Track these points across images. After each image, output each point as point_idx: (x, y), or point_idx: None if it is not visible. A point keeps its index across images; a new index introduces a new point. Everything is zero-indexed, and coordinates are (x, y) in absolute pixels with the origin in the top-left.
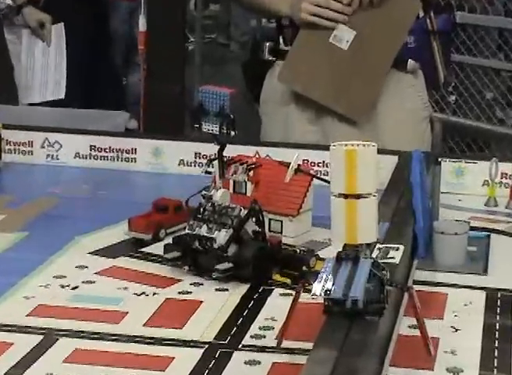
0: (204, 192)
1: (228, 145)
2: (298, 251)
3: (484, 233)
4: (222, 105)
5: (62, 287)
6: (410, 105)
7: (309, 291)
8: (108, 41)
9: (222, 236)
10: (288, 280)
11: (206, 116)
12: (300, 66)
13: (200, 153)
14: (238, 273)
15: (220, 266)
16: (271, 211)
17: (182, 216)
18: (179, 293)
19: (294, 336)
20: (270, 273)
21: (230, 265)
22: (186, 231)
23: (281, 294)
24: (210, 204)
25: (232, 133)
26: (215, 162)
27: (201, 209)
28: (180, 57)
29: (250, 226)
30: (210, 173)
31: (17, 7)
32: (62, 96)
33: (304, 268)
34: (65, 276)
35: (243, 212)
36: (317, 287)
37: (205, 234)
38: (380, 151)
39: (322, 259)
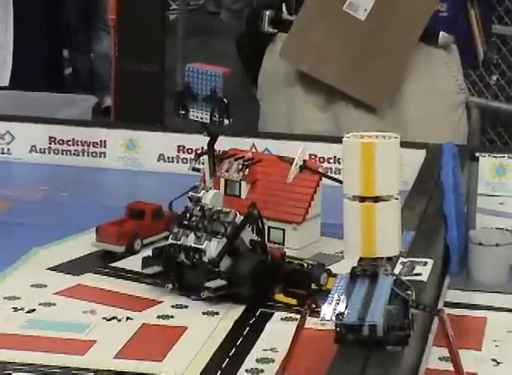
0: (191, 193)
1: (219, 137)
2: (306, 265)
3: None
4: (214, 88)
5: (16, 310)
6: (442, 88)
7: (317, 314)
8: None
9: (213, 247)
10: (293, 301)
11: (194, 101)
12: (307, 40)
13: (184, 146)
14: (232, 292)
15: (211, 284)
16: (270, 217)
17: (162, 223)
18: (159, 317)
19: (299, 370)
20: (271, 292)
21: (223, 282)
22: (170, 241)
23: (283, 319)
24: (198, 208)
25: (226, 121)
26: (205, 157)
27: (188, 214)
28: (159, 28)
29: (248, 235)
30: (198, 170)
31: None
32: (6, 83)
33: (313, 286)
34: (18, 298)
35: (239, 218)
36: (327, 310)
37: (193, 245)
38: (404, 144)
39: (335, 275)
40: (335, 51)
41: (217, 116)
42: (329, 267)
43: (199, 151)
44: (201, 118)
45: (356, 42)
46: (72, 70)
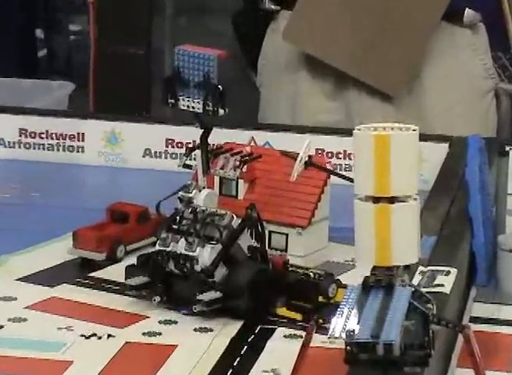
0: (181, 194)
1: (214, 129)
2: (312, 274)
3: None
4: (207, 73)
5: None
6: (467, 73)
7: (325, 330)
8: None
9: (206, 254)
10: (297, 316)
11: (184, 88)
12: (313, 19)
13: (173, 140)
14: (228, 306)
15: (204, 296)
16: (271, 220)
17: (148, 227)
18: (144, 334)
19: None
20: (273, 305)
21: (218, 294)
22: (157, 248)
23: (286, 336)
24: (190, 210)
25: (222, 111)
26: (197, 152)
27: (178, 217)
28: (145, 5)
29: (246, 241)
30: (190, 166)
31: None
32: None
33: (321, 298)
34: None
35: (236, 222)
36: (336, 326)
37: (183, 252)
38: (424, 137)
39: (345, 287)
40: (345, 32)
41: (211, 105)
42: (339, 277)
43: (190, 146)
44: (193, 107)
45: (370, 21)
46: (48, 52)
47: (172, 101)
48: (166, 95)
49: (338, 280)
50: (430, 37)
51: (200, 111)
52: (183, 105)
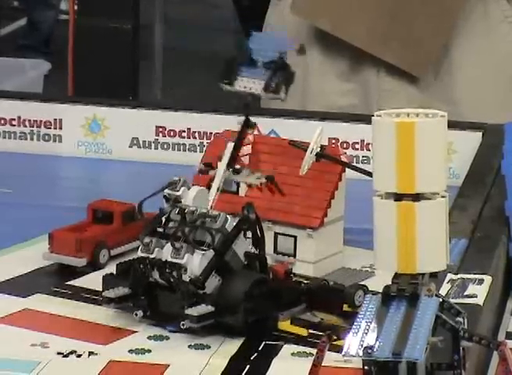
0: (167, 191)
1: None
2: (326, 283)
3: None
4: (282, 53)
5: None
6: (502, 50)
7: (339, 347)
8: None
9: (196, 262)
10: (303, 331)
11: (250, 66)
12: None
13: (164, 127)
14: (222, 322)
15: (193, 311)
16: (278, 221)
17: (134, 228)
18: (131, 352)
19: None
20: (273, 320)
21: (210, 308)
22: (139, 254)
23: (293, 354)
24: (177, 210)
25: (283, 95)
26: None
27: (163, 219)
28: None
29: (242, 247)
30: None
31: None
32: None
33: (346, 307)
34: None
35: (231, 223)
36: (351, 343)
37: (170, 259)
38: (454, 124)
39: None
40: (364, 4)
41: (274, 85)
42: None
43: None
44: (250, 88)
45: None
46: (29, 23)
47: (227, 80)
48: (226, 75)
49: (364, 286)
50: (460, 8)
51: (258, 92)
52: (239, 86)
